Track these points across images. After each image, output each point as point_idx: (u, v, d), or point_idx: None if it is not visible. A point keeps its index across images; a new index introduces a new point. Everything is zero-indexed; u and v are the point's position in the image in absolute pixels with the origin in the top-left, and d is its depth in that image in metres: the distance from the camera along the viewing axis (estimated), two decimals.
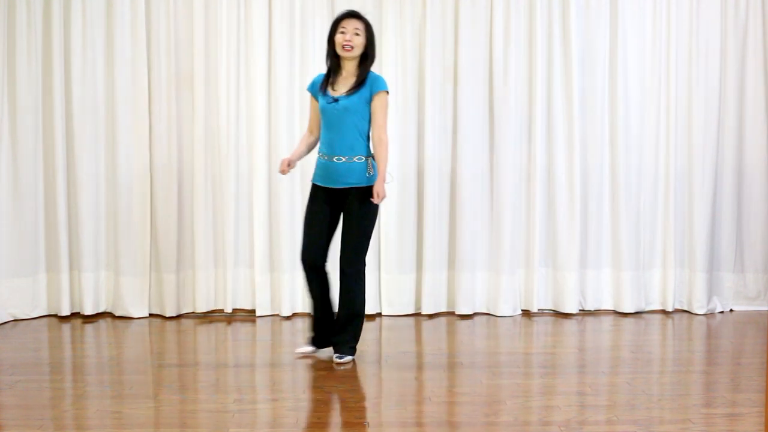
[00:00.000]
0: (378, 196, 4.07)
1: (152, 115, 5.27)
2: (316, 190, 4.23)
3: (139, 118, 5.25)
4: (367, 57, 4.16)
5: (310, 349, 4.35)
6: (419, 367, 4.23)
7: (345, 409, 3.53)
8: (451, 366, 4.23)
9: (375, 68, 5.26)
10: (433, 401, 3.63)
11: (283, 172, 4.22)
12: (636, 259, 5.44)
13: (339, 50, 4.13)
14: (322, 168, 4.18)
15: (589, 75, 5.39)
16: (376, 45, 4.23)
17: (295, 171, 5.30)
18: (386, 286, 5.36)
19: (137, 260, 5.30)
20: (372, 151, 4.17)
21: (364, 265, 4.22)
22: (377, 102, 4.13)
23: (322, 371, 4.10)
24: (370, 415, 3.46)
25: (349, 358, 4.22)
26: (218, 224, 5.36)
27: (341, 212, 4.22)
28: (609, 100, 5.42)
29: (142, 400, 3.62)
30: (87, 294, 5.29)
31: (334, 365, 4.16)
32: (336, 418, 3.42)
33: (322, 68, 5.24)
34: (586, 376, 4.01)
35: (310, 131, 4.34)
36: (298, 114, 5.31)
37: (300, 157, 4.34)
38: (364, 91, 4.12)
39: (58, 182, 5.23)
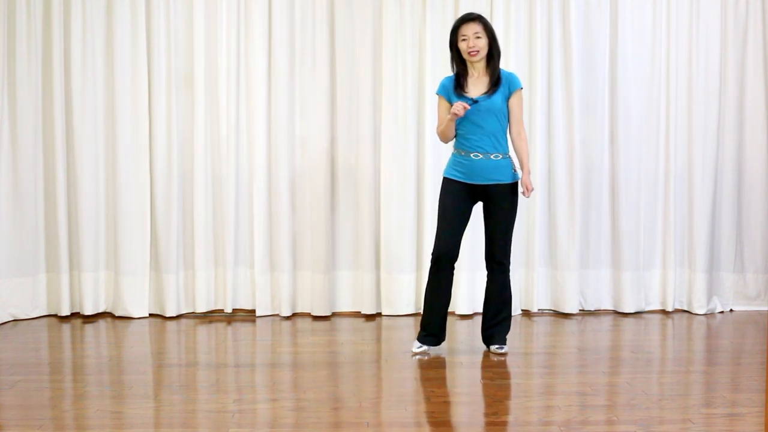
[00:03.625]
0: (528, 189, 4.25)
1: (152, 115, 5.27)
2: (452, 185, 4.31)
3: (139, 118, 5.26)
4: (493, 55, 4.27)
5: (425, 347, 4.42)
6: (419, 367, 4.23)
7: (345, 409, 3.53)
8: (451, 366, 4.23)
9: (376, 67, 5.32)
10: (433, 401, 3.63)
11: (461, 110, 4.14)
12: (636, 259, 5.44)
13: (466, 57, 4.25)
14: (462, 165, 4.27)
15: (589, 75, 5.39)
16: (498, 39, 4.33)
17: (294, 171, 5.31)
18: (386, 286, 5.36)
19: (137, 260, 5.30)
20: (510, 148, 4.32)
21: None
22: (516, 99, 4.28)
23: (322, 371, 4.10)
24: (370, 415, 3.46)
25: (506, 347, 4.41)
26: (218, 224, 5.36)
27: (473, 208, 4.38)
28: (609, 100, 5.42)
29: (142, 400, 3.62)
30: (87, 294, 5.29)
31: (492, 356, 4.34)
32: (336, 418, 3.42)
33: (322, 67, 5.31)
34: (586, 376, 4.00)
35: None
36: (298, 114, 5.32)
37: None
38: (503, 90, 4.25)
39: (58, 182, 5.23)
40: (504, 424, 3.32)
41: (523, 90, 4.35)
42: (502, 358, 4.29)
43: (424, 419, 3.42)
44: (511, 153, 4.35)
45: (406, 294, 5.38)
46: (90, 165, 5.28)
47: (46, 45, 5.23)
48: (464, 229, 4.39)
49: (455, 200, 4.30)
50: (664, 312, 5.48)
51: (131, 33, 5.24)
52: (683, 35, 5.41)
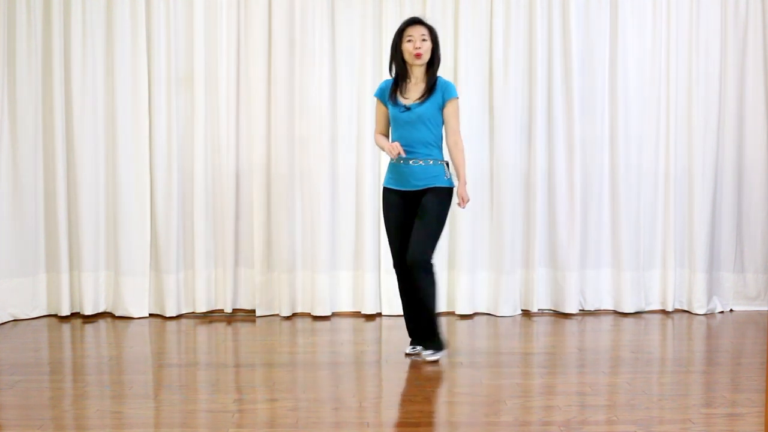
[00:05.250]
0: (464, 200, 4.16)
1: (152, 115, 5.28)
2: (390, 194, 4.26)
3: (139, 118, 5.26)
4: (433, 62, 4.23)
5: (419, 348, 4.39)
6: (419, 367, 4.23)
7: (345, 409, 3.53)
8: (451, 366, 4.23)
9: (376, 68, 5.33)
10: (433, 401, 3.63)
11: (400, 152, 4.11)
12: (636, 259, 5.45)
13: (409, 59, 4.19)
14: (395, 171, 4.22)
15: (589, 75, 5.39)
16: (440, 48, 4.28)
17: (294, 171, 5.32)
18: (386, 286, 5.37)
19: (137, 260, 5.30)
20: (446, 156, 4.24)
21: (432, 259, 4.20)
22: (450, 108, 4.19)
23: (322, 371, 4.10)
24: (370, 415, 3.46)
25: (441, 354, 4.27)
26: (218, 224, 5.36)
27: (415, 213, 4.25)
28: (609, 100, 5.42)
29: (142, 400, 3.62)
30: (87, 294, 5.29)
31: (422, 362, 4.23)
32: (336, 418, 3.42)
33: (323, 67, 5.31)
34: (586, 376, 4.00)
35: (381, 134, 4.34)
36: (298, 114, 5.31)
37: None
38: (436, 98, 4.17)
39: (58, 182, 5.23)
40: (504, 424, 3.32)
41: (458, 99, 4.23)
42: (434, 367, 4.14)
43: (424, 419, 3.42)
44: (448, 159, 4.25)
45: None
46: (90, 165, 5.28)
47: (46, 45, 5.23)
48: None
49: (396, 211, 4.24)
50: (664, 312, 5.48)
51: (131, 33, 5.25)
52: (683, 35, 5.41)
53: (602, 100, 5.40)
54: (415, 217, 4.22)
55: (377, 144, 4.34)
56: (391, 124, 4.26)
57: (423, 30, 4.20)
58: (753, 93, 5.46)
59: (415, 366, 4.23)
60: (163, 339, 4.89)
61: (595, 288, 5.49)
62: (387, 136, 4.34)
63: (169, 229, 5.30)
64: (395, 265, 4.33)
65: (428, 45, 4.20)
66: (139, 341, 4.82)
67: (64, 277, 5.27)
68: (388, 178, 4.28)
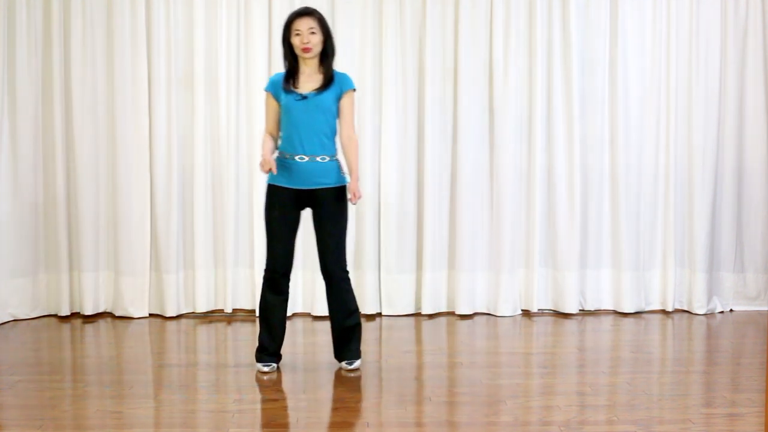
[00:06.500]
0: (355, 195, 3.95)
1: (152, 115, 5.27)
2: (277, 192, 3.99)
3: (139, 118, 5.26)
4: (327, 53, 4.03)
5: (273, 366, 4.13)
6: (419, 367, 4.23)
7: (345, 409, 3.53)
8: (451, 366, 4.23)
9: (376, 68, 5.32)
10: (433, 401, 3.63)
11: (270, 170, 3.91)
12: (636, 259, 5.45)
13: (299, 53, 3.99)
14: (287, 169, 3.96)
15: (589, 75, 5.39)
16: (333, 37, 4.09)
17: None
18: (386, 286, 5.36)
19: (137, 260, 5.30)
20: (340, 151, 4.07)
21: (347, 266, 4.11)
22: (347, 100, 4.02)
23: (322, 371, 4.10)
24: (370, 415, 3.46)
25: (358, 362, 4.14)
26: (218, 224, 5.36)
27: (301, 214, 4.08)
28: (609, 100, 5.42)
29: (142, 400, 3.62)
30: (87, 294, 5.29)
31: (344, 372, 4.07)
32: (336, 418, 3.42)
33: None
34: (586, 376, 4.01)
35: (270, 133, 4.09)
36: None
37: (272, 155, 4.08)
38: (334, 89, 3.99)
39: (58, 182, 5.23)
40: (504, 424, 3.32)
41: (355, 92, 4.07)
42: (356, 374, 4.05)
43: (424, 419, 3.42)
44: (340, 156, 4.08)
45: (406, 294, 5.38)
46: (90, 165, 5.28)
47: (46, 45, 5.23)
48: (295, 238, 4.08)
49: (282, 210, 3.99)
50: (664, 312, 5.48)
51: (131, 33, 5.24)
52: (683, 35, 5.41)
53: (602, 100, 5.40)
54: (300, 218, 4.06)
55: (262, 146, 4.05)
56: (283, 116, 3.99)
57: (311, 23, 3.96)
58: (753, 93, 5.45)
59: (415, 366, 4.23)
60: (163, 339, 4.89)
61: (595, 288, 5.49)
62: (276, 137, 4.09)
63: (169, 229, 5.30)
64: (271, 270, 4.04)
65: (318, 38, 3.95)
66: (139, 341, 4.82)
67: (64, 277, 5.27)
68: (276, 177, 3.98)
